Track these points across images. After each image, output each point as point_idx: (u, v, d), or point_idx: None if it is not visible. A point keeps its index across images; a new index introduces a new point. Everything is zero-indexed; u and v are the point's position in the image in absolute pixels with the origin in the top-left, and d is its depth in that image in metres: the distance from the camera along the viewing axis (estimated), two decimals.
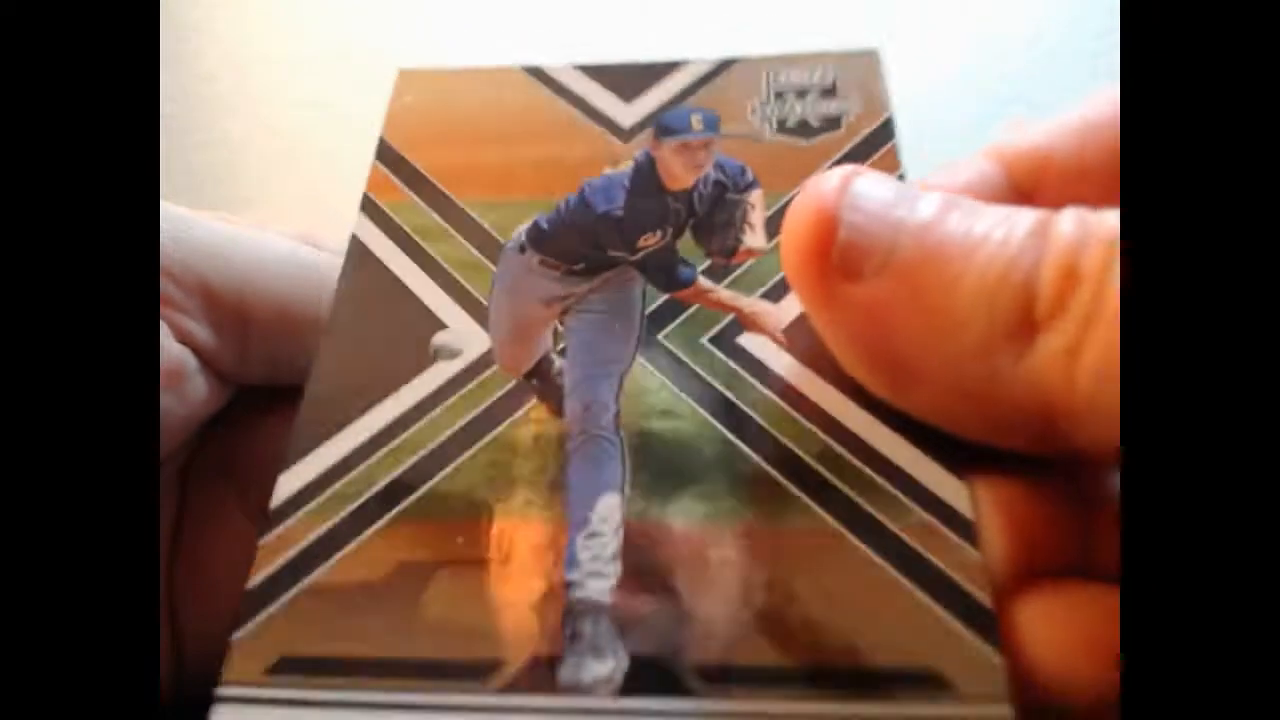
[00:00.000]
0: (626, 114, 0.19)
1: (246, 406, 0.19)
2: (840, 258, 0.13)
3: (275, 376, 0.19)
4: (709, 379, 0.15)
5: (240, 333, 0.18)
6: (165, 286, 0.17)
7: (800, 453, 0.14)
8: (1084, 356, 0.11)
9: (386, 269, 0.17)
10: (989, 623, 0.12)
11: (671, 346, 0.15)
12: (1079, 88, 0.34)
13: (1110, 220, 0.12)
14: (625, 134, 0.18)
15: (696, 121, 0.18)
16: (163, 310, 0.17)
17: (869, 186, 0.14)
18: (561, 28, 0.42)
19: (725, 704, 0.11)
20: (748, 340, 0.15)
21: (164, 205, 0.18)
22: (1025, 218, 0.13)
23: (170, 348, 0.17)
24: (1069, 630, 0.12)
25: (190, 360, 0.17)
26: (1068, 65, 0.38)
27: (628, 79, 0.19)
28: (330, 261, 0.18)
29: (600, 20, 0.42)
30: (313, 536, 0.14)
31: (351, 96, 0.38)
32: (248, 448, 0.19)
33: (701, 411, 0.14)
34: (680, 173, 0.17)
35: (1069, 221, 0.12)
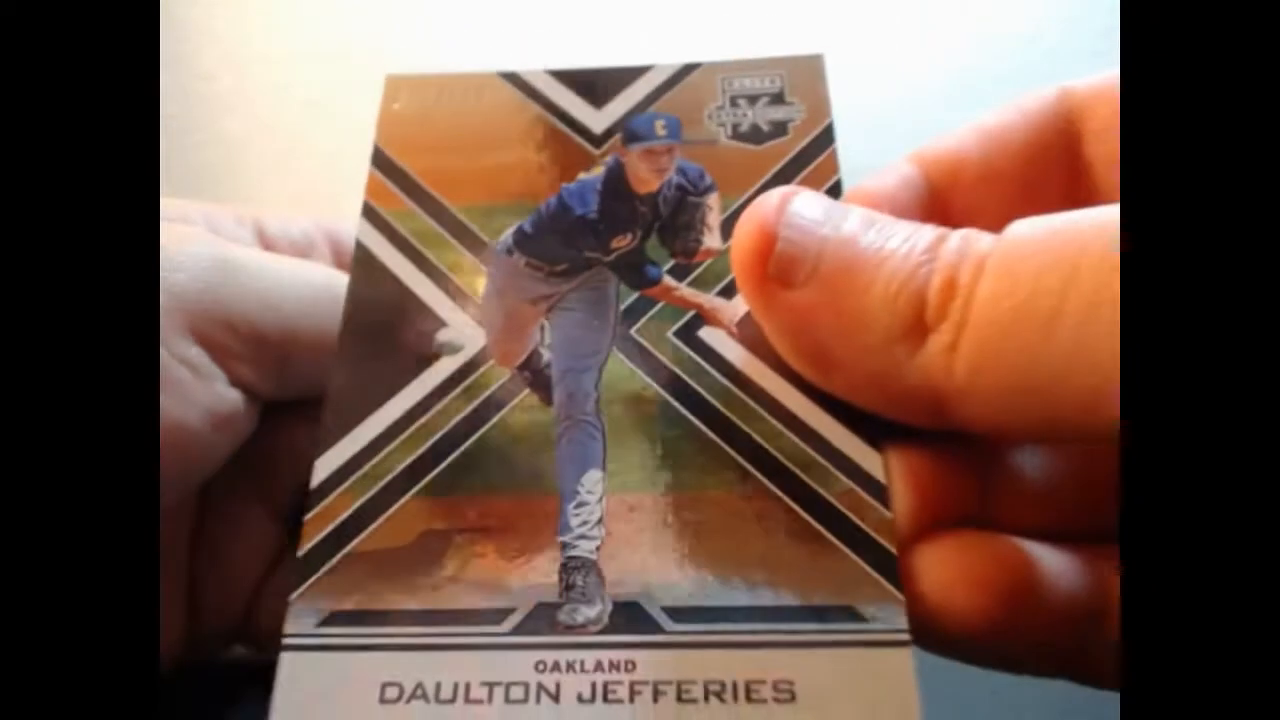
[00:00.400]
0: (597, 120, 0.21)
1: (266, 425, 0.21)
2: (776, 268, 0.16)
3: (307, 394, 0.21)
4: (673, 368, 0.18)
5: (283, 367, 0.20)
6: (223, 335, 0.18)
7: (749, 430, 0.17)
8: (959, 353, 0.14)
9: (390, 272, 0.19)
10: (894, 569, 0.15)
11: (642, 339, 0.18)
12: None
13: (983, 241, 0.14)
14: (597, 139, 0.21)
15: (660, 128, 0.20)
16: (219, 357, 0.18)
17: (803, 206, 0.16)
18: (545, 29, 0.42)
19: (688, 636, 0.15)
20: (706, 333, 0.18)
21: (223, 246, 0.19)
22: (925, 236, 0.15)
23: (225, 393, 0.18)
24: (957, 570, 0.15)
25: (242, 401, 0.19)
26: (1068, 65, 0.38)
27: (597, 85, 0.21)
28: None
29: (577, 22, 0.43)
30: (348, 512, 0.16)
31: (350, 96, 0.38)
32: (265, 444, 0.21)
33: (667, 396, 0.17)
34: (646, 176, 0.20)
35: (954, 241, 0.15)
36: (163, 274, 0.18)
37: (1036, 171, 0.18)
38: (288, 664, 0.15)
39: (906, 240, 0.15)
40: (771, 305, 0.16)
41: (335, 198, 0.23)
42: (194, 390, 0.18)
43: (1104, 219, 0.13)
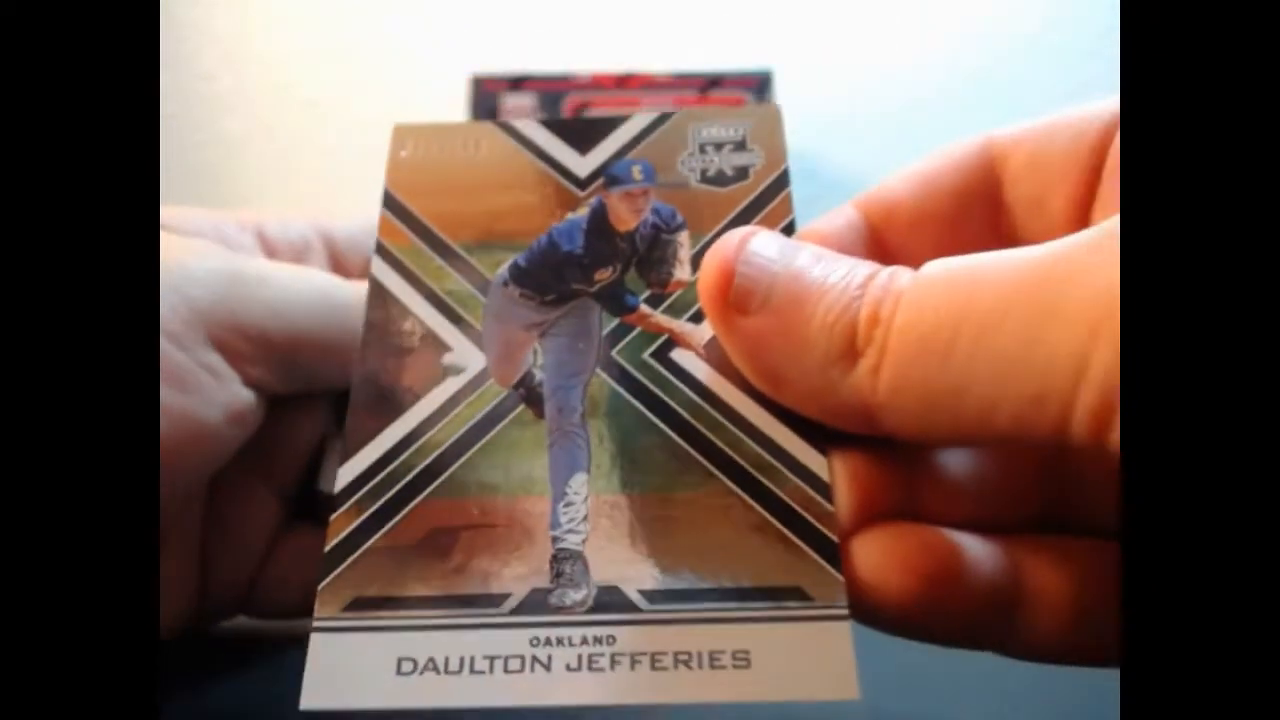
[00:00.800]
0: (582, 165, 0.24)
1: (275, 410, 0.23)
2: (735, 297, 0.18)
3: (310, 389, 0.23)
4: (649, 384, 0.20)
5: (288, 367, 0.22)
6: (237, 341, 0.21)
7: (713, 438, 0.19)
8: (880, 375, 0.17)
9: (400, 303, 0.22)
10: (836, 555, 0.18)
11: (622, 360, 0.21)
12: (1079, 88, 0.36)
13: (903, 278, 0.17)
14: (581, 183, 0.23)
15: (637, 173, 0.23)
16: (234, 361, 0.21)
17: (759, 244, 0.19)
18: (537, 31, 0.43)
19: (661, 614, 0.17)
20: (678, 354, 0.21)
21: (234, 260, 0.21)
22: (860, 272, 0.18)
23: (240, 392, 0.21)
24: (889, 556, 0.18)
25: (253, 399, 0.22)
26: (1068, 65, 0.37)
27: (582, 133, 0.24)
28: (359, 292, 0.23)
29: (569, 26, 0.44)
30: (369, 511, 0.19)
31: (350, 96, 0.39)
32: (270, 431, 0.23)
33: (643, 409, 0.20)
34: (625, 216, 0.22)
35: (882, 278, 0.17)
36: (182, 287, 0.20)
37: (962, 212, 0.21)
38: (317, 643, 0.18)
39: (844, 276, 0.18)
40: (731, 330, 0.19)
41: (334, 197, 0.25)
42: (213, 391, 0.20)
43: (999, 261, 0.16)
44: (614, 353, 0.21)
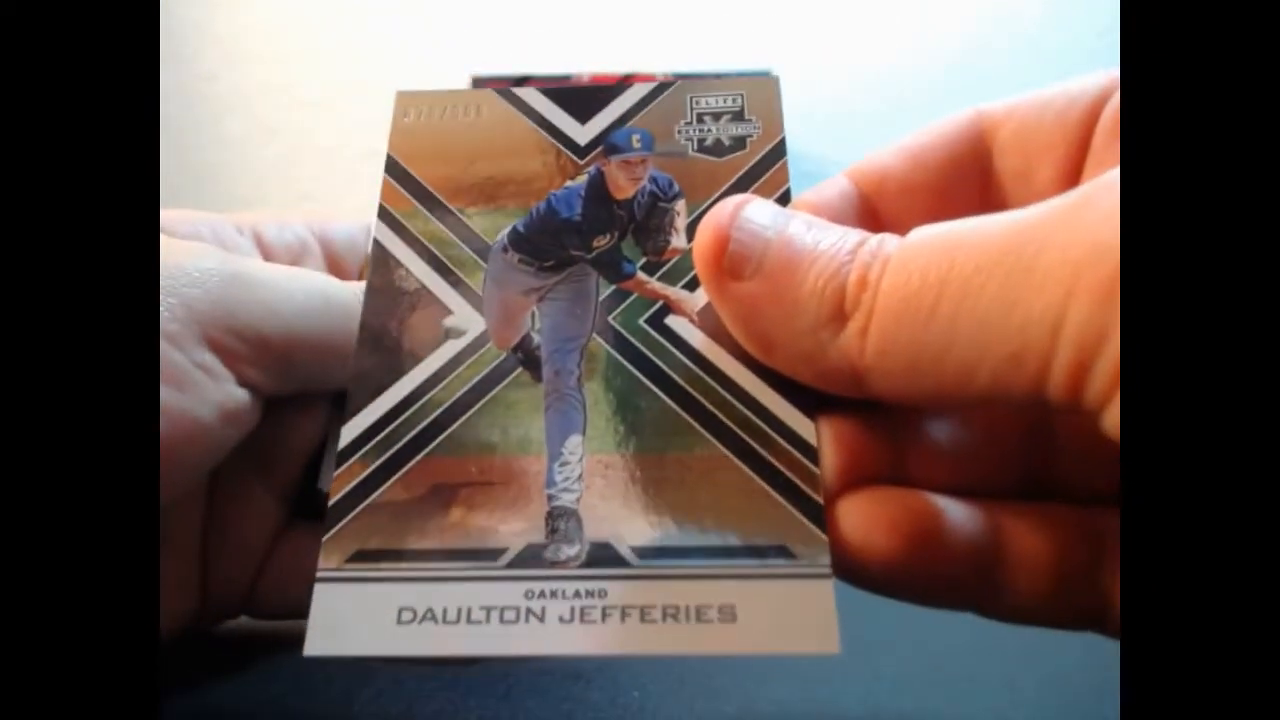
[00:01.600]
0: (581, 133, 0.24)
1: (273, 410, 0.23)
2: (729, 264, 0.19)
3: (305, 389, 0.24)
4: (643, 349, 0.21)
5: (284, 367, 0.22)
6: (232, 342, 0.21)
7: (705, 402, 0.20)
8: (868, 337, 0.17)
9: (403, 266, 0.22)
10: (820, 516, 0.18)
11: (618, 325, 0.21)
12: None
13: (890, 244, 0.17)
14: (581, 151, 0.24)
15: (636, 141, 0.23)
16: (229, 361, 0.21)
17: (753, 211, 0.19)
18: (535, 33, 0.43)
19: (650, 569, 0.18)
20: (672, 320, 0.21)
21: (231, 261, 0.21)
22: (851, 238, 0.18)
23: (234, 392, 0.21)
24: (873, 518, 0.18)
25: (249, 399, 0.22)
26: (1068, 65, 0.38)
27: (582, 102, 0.24)
28: (356, 294, 0.23)
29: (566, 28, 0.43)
30: (371, 468, 0.20)
31: (350, 97, 0.39)
32: (268, 432, 0.23)
33: (638, 374, 0.20)
34: (624, 184, 0.23)
35: (871, 244, 0.18)
36: (179, 288, 0.21)
37: (951, 183, 0.21)
38: (321, 594, 0.18)
39: (835, 242, 0.18)
40: (725, 295, 0.19)
41: (335, 197, 0.25)
42: (208, 390, 0.21)
43: (980, 226, 0.16)
44: (610, 318, 0.21)
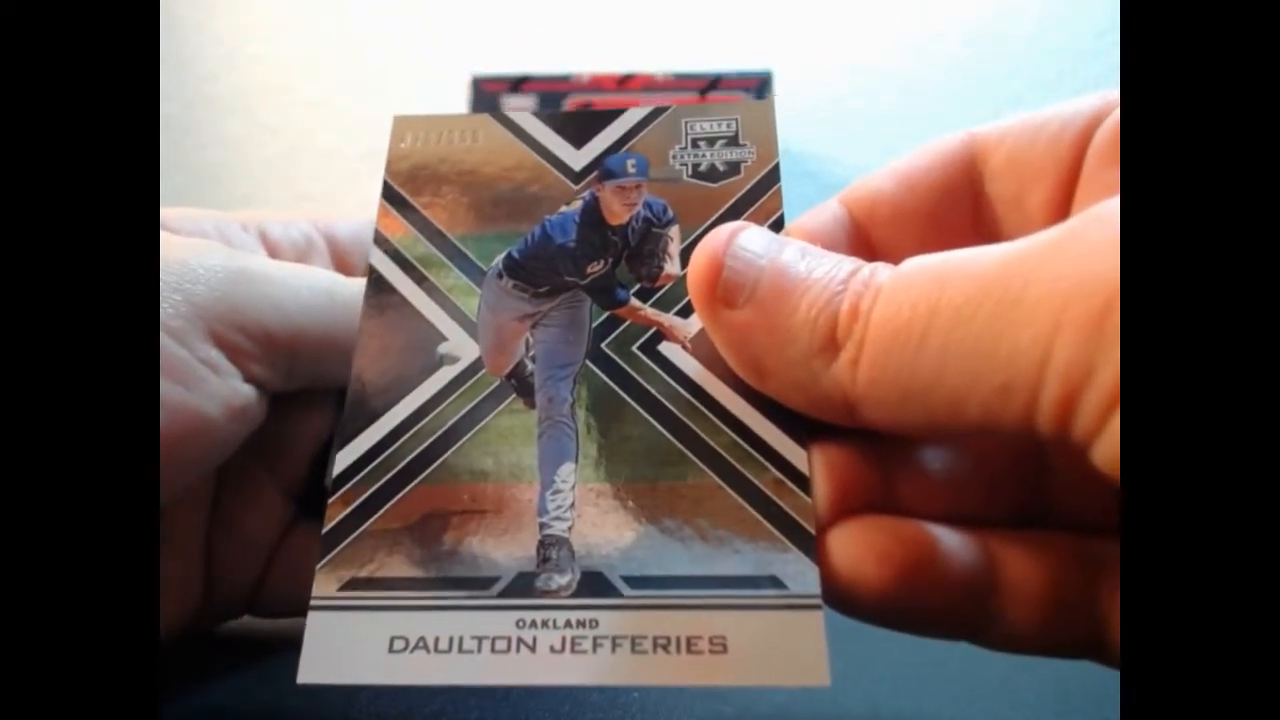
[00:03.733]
0: (577, 159, 0.24)
1: (280, 407, 0.24)
2: (722, 291, 0.19)
3: (311, 386, 0.24)
4: (636, 376, 0.21)
5: (290, 363, 0.22)
6: (238, 338, 0.21)
7: (698, 430, 0.20)
8: (859, 367, 0.17)
9: (398, 293, 0.22)
10: (811, 546, 0.18)
11: (610, 353, 0.21)
12: (1079, 88, 0.36)
13: (882, 274, 0.17)
14: (576, 176, 0.24)
15: (630, 166, 0.23)
16: (234, 357, 0.21)
17: (747, 239, 0.19)
18: (536, 32, 0.43)
19: (642, 599, 0.18)
20: (665, 348, 0.21)
21: (236, 257, 0.22)
22: (844, 267, 0.18)
23: (240, 388, 0.21)
24: (865, 547, 0.18)
25: (254, 394, 0.22)
26: (1068, 65, 0.39)
27: (576, 126, 0.25)
28: (360, 290, 0.23)
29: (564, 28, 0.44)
30: (364, 497, 0.20)
31: (351, 97, 0.40)
32: (274, 428, 0.24)
33: (630, 401, 0.20)
34: (618, 210, 0.23)
35: (864, 273, 0.18)
36: (183, 284, 0.21)
37: (943, 208, 0.22)
38: (314, 621, 0.18)
39: (828, 271, 0.18)
40: (718, 323, 0.19)
41: (334, 196, 0.26)
42: (214, 386, 0.21)
43: (971, 257, 0.16)
44: (603, 345, 0.21)
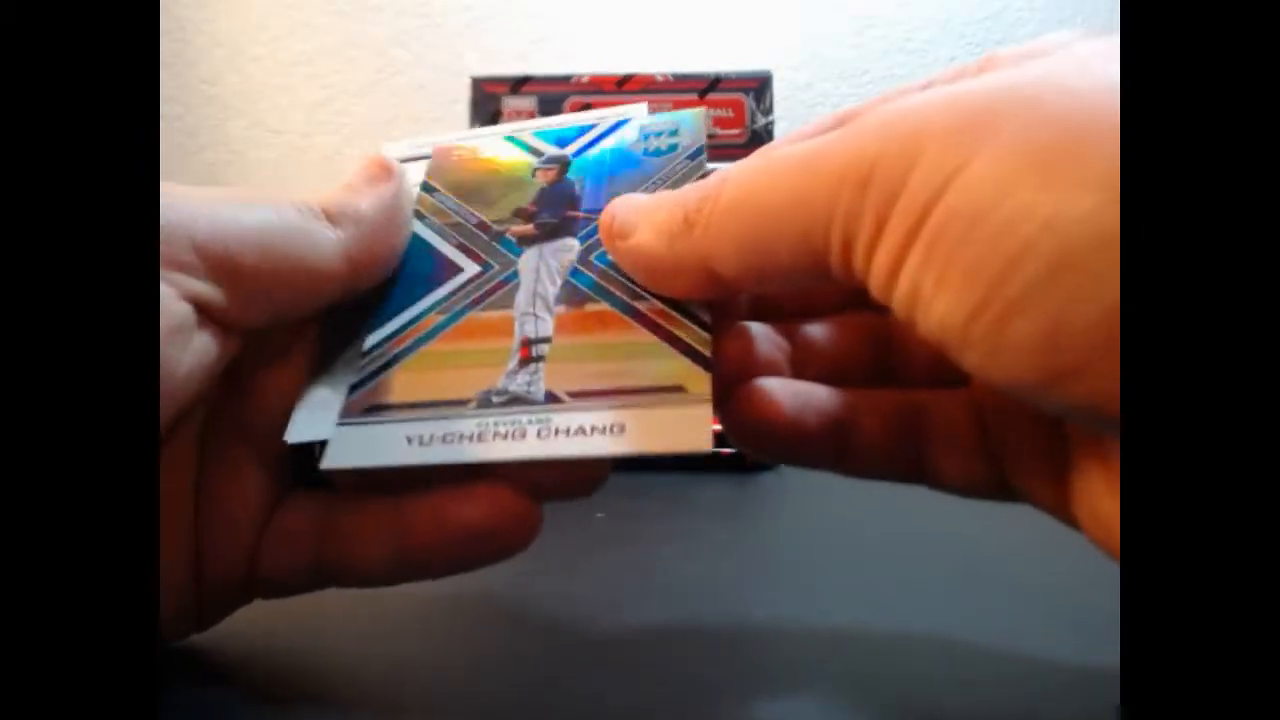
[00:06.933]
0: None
1: (252, 362, 0.24)
2: (618, 229, 0.26)
3: (273, 320, 0.23)
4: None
5: (236, 281, 0.20)
6: (163, 249, 0.18)
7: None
8: (708, 231, 0.23)
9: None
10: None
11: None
12: None
13: (726, 170, 0.25)
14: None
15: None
16: (166, 272, 0.19)
17: (624, 200, 0.26)
18: (538, 37, 0.47)
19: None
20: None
21: (169, 184, 0.20)
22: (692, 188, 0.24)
23: (173, 306, 0.19)
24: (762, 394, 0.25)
25: (192, 314, 0.20)
26: None
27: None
28: (302, 215, 0.22)
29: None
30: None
31: (351, 97, 0.42)
32: (258, 401, 0.24)
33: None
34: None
35: (715, 175, 0.25)
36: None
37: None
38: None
39: (683, 191, 0.25)
40: (618, 251, 0.26)
41: None
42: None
43: (792, 147, 0.21)
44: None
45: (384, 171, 0.25)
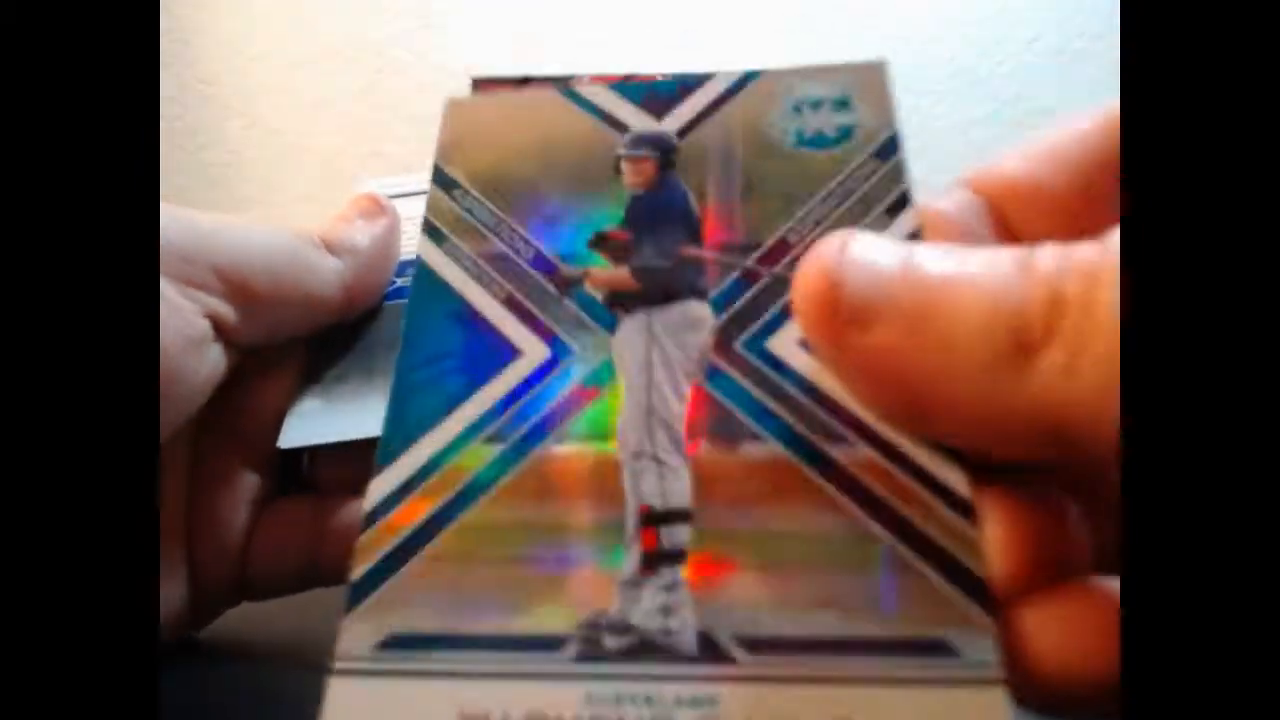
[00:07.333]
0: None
1: (246, 374, 0.23)
2: (849, 312, 0.15)
3: (272, 339, 0.23)
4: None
5: (247, 302, 0.21)
6: (185, 268, 0.20)
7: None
8: (1081, 372, 0.13)
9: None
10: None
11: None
12: (1079, 88, 0.34)
13: (1085, 251, 0.14)
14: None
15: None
16: (189, 290, 0.20)
17: (866, 245, 0.15)
18: (538, 37, 0.43)
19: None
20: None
21: (171, 207, 0.21)
22: (1007, 255, 0.14)
23: (194, 321, 0.20)
24: (1078, 632, 0.14)
25: (209, 330, 0.21)
26: (1068, 65, 0.37)
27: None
28: (306, 245, 0.22)
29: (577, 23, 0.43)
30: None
31: (353, 98, 0.39)
32: (249, 410, 0.23)
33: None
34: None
35: (1047, 254, 0.14)
36: None
37: (1096, 184, 0.17)
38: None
39: (988, 262, 0.14)
40: (848, 351, 0.15)
41: (337, 199, 0.24)
42: (165, 315, 0.19)
43: None
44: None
45: (377, 207, 0.24)
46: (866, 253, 0.15)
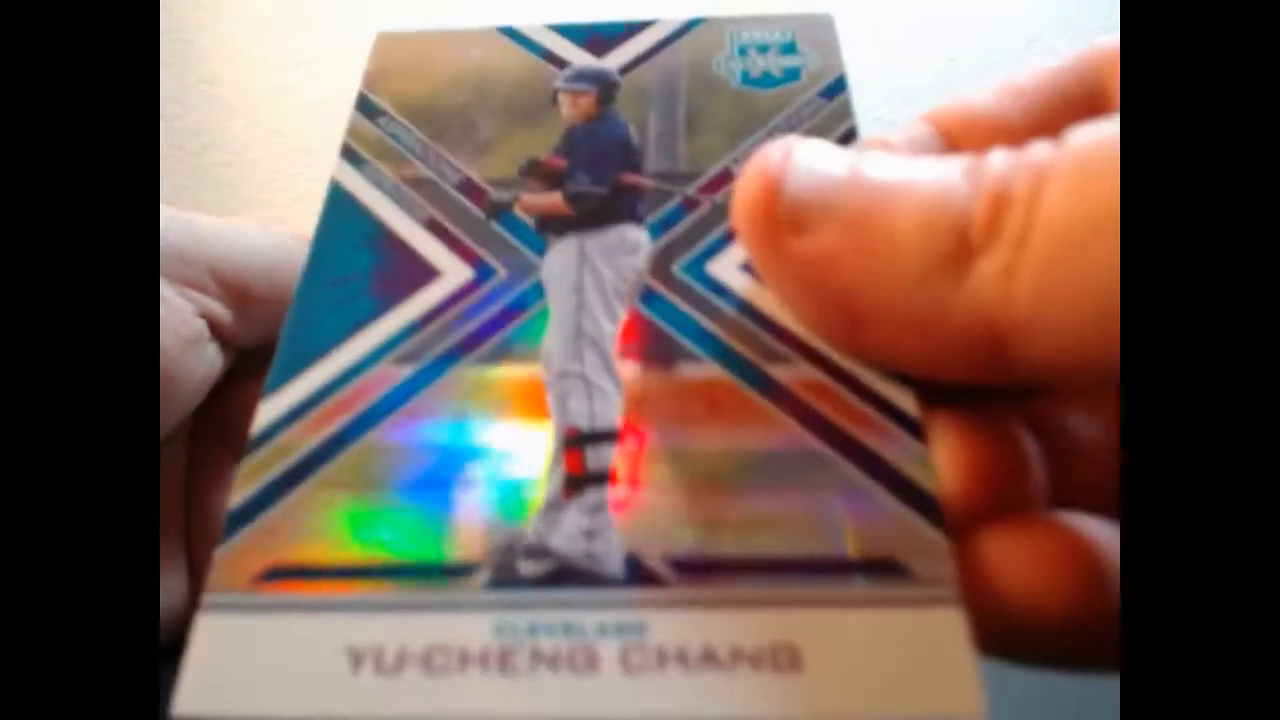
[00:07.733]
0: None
1: (240, 376, 0.22)
2: (786, 215, 0.14)
3: (270, 339, 0.21)
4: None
5: (243, 304, 0.21)
6: (183, 269, 0.21)
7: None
8: (1019, 276, 0.12)
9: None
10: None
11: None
12: None
13: (1038, 151, 0.13)
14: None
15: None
16: (185, 290, 0.21)
17: (810, 150, 0.14)
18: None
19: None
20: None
21: (171, 210, 0.21)
22: (956, 160, 0.13)
23: (190, 320, 0.21)
24: (1030, 564, 0.13)
25: (205, 330, 0.21)
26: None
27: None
28: (304, 247, 0.21)
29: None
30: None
31: (352, 98, 0.39)
32: (247, 410, 0.21)
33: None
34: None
35: (998, 156, 0.13)
36: None
37: (1060, 121, 0.17)
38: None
39: (934, 166, 0.13)
40: (783, 257, 0.14)
41: None
42: (163, 315, 0.20)
43: None
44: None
45: None
46: (811, 158, 0.14)
